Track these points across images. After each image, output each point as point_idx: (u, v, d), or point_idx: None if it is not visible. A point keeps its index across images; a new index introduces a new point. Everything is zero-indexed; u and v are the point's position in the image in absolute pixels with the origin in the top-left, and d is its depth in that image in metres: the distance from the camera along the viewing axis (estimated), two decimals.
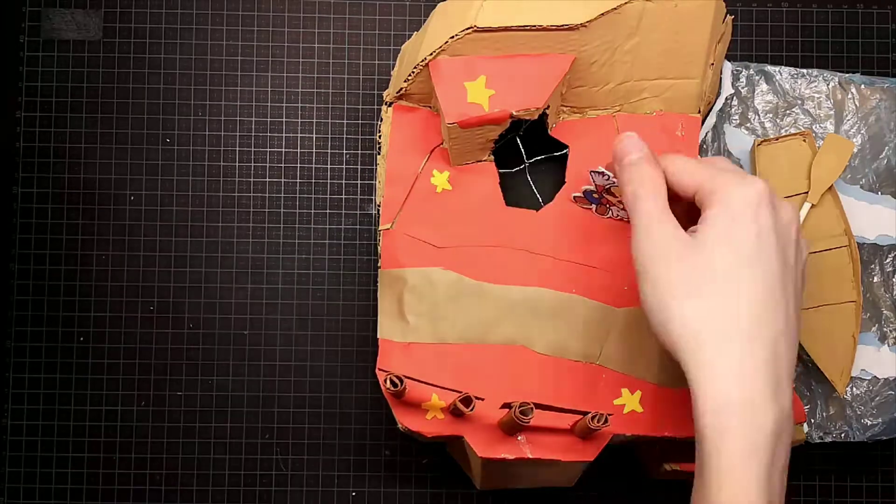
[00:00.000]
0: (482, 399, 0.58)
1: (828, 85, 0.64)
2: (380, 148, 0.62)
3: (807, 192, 0.61)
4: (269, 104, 0.67)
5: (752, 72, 0.64)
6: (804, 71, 0.65)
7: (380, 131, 0.62)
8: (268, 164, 0.67)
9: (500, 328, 0.59)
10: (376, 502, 0.66)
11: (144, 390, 0.66)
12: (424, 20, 0.62)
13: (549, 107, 0.59)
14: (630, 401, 0.59)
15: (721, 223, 0.49)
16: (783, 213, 0.50)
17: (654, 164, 0.52)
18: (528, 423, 0.55)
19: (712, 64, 0.61)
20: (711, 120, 0.64)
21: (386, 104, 0.62)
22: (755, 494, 0.46)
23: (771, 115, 0.64)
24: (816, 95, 0.64)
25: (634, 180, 0.51)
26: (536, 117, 0.58)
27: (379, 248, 0.61)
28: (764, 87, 0.64)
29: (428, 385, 0.58)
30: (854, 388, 0.62)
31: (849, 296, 0.61)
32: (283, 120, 0.67)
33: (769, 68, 0.64)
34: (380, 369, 0.58)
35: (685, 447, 0.61)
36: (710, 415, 0.47)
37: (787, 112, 0.64)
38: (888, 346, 0.63)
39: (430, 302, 0.59)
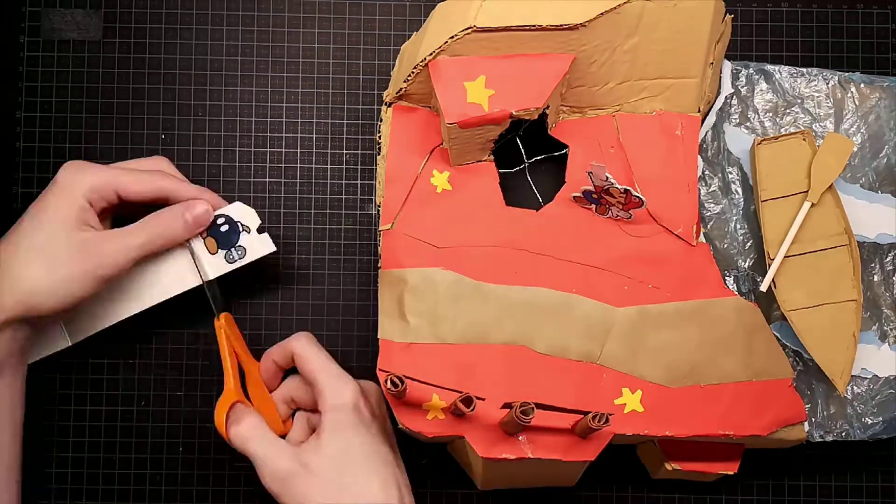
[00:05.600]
0: (483, 399, 0.58)
1: (827, 84, 0.64)
2: (380, 148, 0.62)
3: (807, 191, 0.61)
4: (269, 104, 0.67)
5: (751, 71, 0.64)
6: (804, 70, 0.65)
7: (380, 131, 0.62)
8: (268, 164, 0.67)
9: (501, 328, 0.59)
10: None
11: (144, 390, 0.66)
12: (424, 20, 0.62)
13: (548, 107, 0.59)
14: (631, 400, 0.59)
15: (334, 427, 0.57)
16: (355, 397, 0.58)
17: (250, 412, 0.60)
18: (529, 422, 0.55)
19: (712, 63, 0.61)
20: (711, 119, 0.64)
21: (386, 104, 0.62)
22: None
23: (771, 115, 0.64)
24: (816, 94, 0.64)
25: (239, 440, 0.58)
26: (536, 117, 0.58)
27: (379, 248, 0.61)
28: (764, 86, 0.64)
29: (428, 385, 0.58)
30: (854, 387, 0.62)
31: (849, 294, 0.61)
32: (283, 120, 0.67)
33: (769, 67, 0.64)
34: (380, 370, 0.58)
35: (686, 447, 0.61)
36: None
37: (787, 111, 0.64)
38: (888, 344, 0.63)
39: (431, 302, 0.59)
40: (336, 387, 0.58)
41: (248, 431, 0.58)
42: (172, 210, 0.59)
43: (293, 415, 0.63)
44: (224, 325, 0.61)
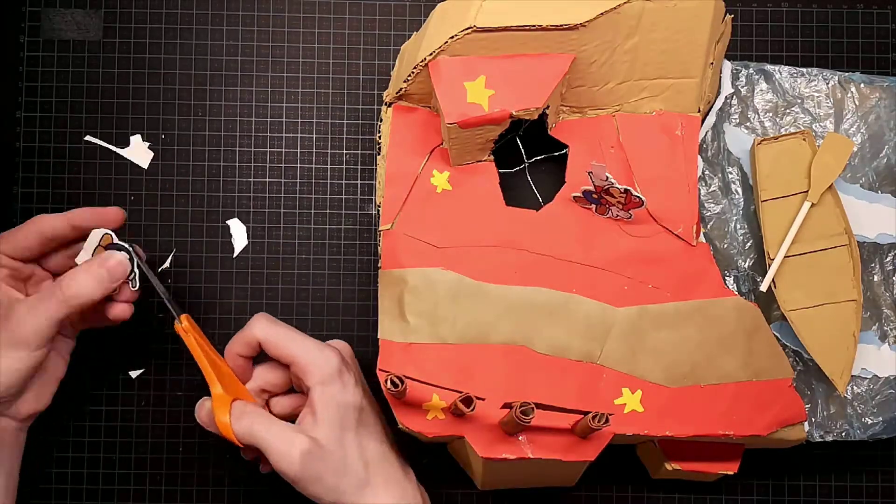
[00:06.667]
0: (483, 399, 0.58)
1: (827, 84, 0.64)
2: (380, 148, 0.62)
3: (807, 191, 0.61)
4: (269, 104, 0.67)
5: (751, 71, 0.64)
6: (804, 70, 0.65)
7: (380, 131, 0.62)
8: (268, 165, 0.67)
9: (501, 328, 0.59)
10: None
11: (144, 390, 0.66)
12: (424, 20, 0.62)
13: (548, 107, 0.59)
14: (631, 400, 0.59)
15: (325, 400, 0.57)
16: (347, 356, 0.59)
17: (255, 408, 0.59)
18: (529, 422, 0.55)
19: (712, 63, 0.61)
20: (711, 119, 0.64)
21: (386, 104, 0.62)
22: None
23: (771, 115, 0.64)
24: (816, 94, 0.64)
25: (248, 435, 0.57)
26: (536, 117, 0.58)
27: (379, 248, 0.61)
28: (763, 86, 0.64)
29: (428, 385, 0.58)
30: (854, 387, 0.62)
31: (849, 294, 0.61)
32: (283, 120, 0.67)
33: (769, 67, 0.64)
34: (380, 370, 0.58)
35: (686, 447, 0.61)
36: None
37: (787, 111, 0.64)
38: (888, 344, 0.63)
39: (431, 302, 0.59)
40: (317, 361, 0.57)
41: (255, 424, 0.57)
42: (88, 269, 0.57)
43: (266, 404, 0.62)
44: (189, 328, 0.59)
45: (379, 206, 0.61)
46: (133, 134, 0.67)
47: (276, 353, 0.58)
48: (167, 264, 0.66)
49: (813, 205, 0.61)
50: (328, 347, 0.58)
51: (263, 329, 0.58)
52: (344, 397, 0.57)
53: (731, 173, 0.64)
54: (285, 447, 0.55)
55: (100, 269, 0.57)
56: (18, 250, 0.58)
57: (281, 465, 0.55)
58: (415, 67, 0.59)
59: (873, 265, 0.63)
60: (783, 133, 0.64)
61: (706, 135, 0.64)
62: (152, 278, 0.59)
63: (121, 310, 0.59)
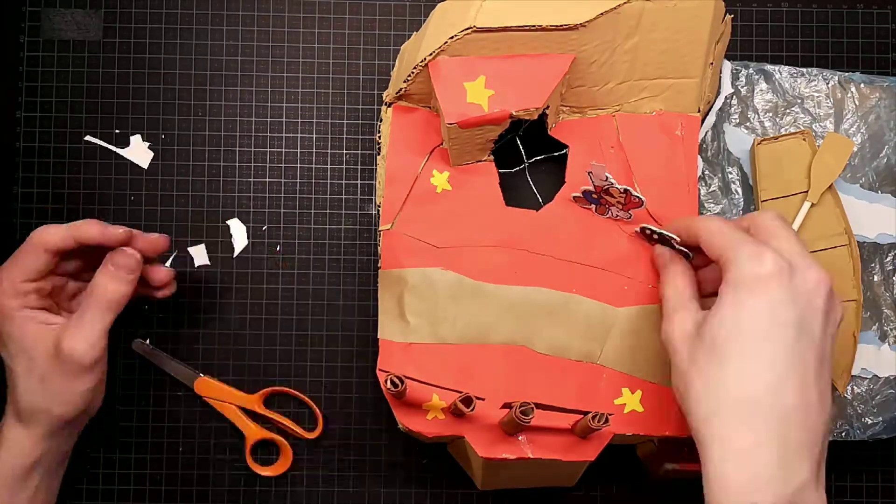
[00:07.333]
0: (483, 399, 0.58)
1: (827, 84, 0.64)
2: (380, 148, 0.62)
3: (807, 191, 0.61)
4: (269, 104, 0.67)
5: (751, 71, 0.64)
6: (804, 70, 0.65)
7: (380, 131, 0.62)
8: (268, 164, 0.67)
9: (501, 328, 0.59)
10: (376, 502, 0.66)
11: (144, 390, 0.66)
12: (424, 20, 0.62)
13: (548, 107, 0.59)
14: (631, 400, 0.59)
15: (729, 302, 0.49)
16: (806, 281, 0.49)
17: (677, 261, 0.57)
18: (529, 422, 0.55)
19: (712, 63, 0.61)
20: (711, 119, 0.64)
21: (386, 104, 0.62)
22: None
23: (770, 115, 0.64)
24: (816, 94, 0.64)
25: (665, 279, 0.56)
26: (536, 117, 0.58)
27: (379, 248, 0.61)
28: (763, 86, 0.64)
29: (428, 385, 0.58)
30: (854, 387, 0.62)
31: (849, 294, 0.61)
32: (283, 120, 0.67)
33: (769, 67, 0.64)
34: (380, 370, 0.58)
35: (686, 447, 0.61)
36: (713, 495, 0.47)
37: (787, 111, 0.64)
38: (888, 344, 0.63)
39: (431, 302, 0.59)
40: (744, 262, 0.49)
41: (669, 282, 0.54)
42: (105, 273, 0.57)
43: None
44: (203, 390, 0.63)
45: (379, 206, 0.61)
46: (133, 134, 0.67)
47: (711, 247, 0.52)
48: (167, 264, 0.66)
49: (813, 205, 0.61)
50: (772, 253, 0.49)
51: (710, 223, 0.53)
52: (769, 304, 0.48)
53: (731, 173, 0.64)
54: (684, 318, 0.52)
55: (115, 270, 0.57)
56: (31, 272, 0.57)
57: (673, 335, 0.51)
58: (415, 67, 0.59)
59: (873, 265, 0.63)
60: (783, 133, 0.64)
61: (706, 135, 0.64)
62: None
63: (165, 273, 0.60)
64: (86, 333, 0.56)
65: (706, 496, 0.48)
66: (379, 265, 0.61)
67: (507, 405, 0.58)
